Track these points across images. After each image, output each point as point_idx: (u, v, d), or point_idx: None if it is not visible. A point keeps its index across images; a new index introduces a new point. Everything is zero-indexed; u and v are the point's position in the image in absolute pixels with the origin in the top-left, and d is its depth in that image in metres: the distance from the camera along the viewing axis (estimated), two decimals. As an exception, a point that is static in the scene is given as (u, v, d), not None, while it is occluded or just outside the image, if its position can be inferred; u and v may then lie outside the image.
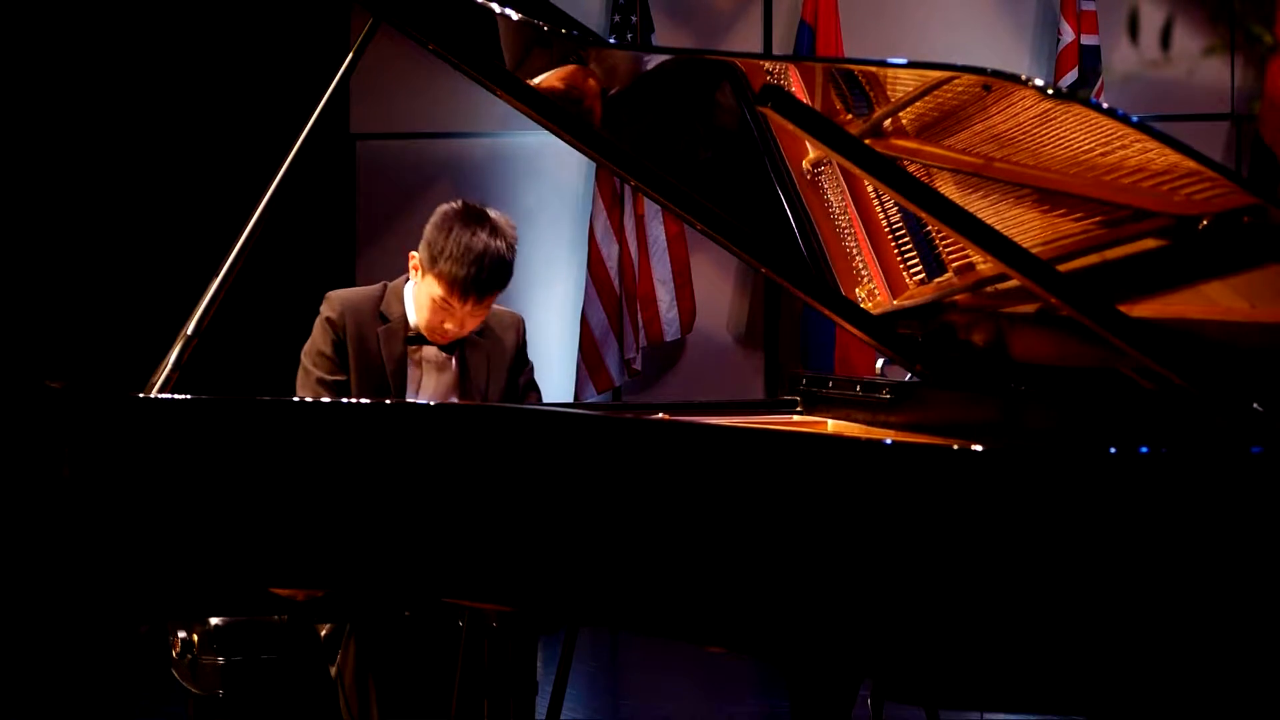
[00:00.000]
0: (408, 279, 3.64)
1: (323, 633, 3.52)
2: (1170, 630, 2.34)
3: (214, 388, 3.09)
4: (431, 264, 3.52)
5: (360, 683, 3.43)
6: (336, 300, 3.63)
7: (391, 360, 3.59)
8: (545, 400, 3.93)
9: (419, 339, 3.61)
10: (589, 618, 3.13)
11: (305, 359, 3.61)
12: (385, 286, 3.66)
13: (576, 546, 2.77)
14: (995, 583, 2.39)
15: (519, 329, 3.75)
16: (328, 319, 3.60)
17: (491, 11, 3.25)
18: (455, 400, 3.63)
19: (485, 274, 3.49)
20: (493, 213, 3.57)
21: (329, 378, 3.56)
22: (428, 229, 3.55)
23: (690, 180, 3.47)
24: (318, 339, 3.61)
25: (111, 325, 6.73)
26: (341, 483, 2.95)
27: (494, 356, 3.68)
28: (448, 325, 3.57)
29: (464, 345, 3.65)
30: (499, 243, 3.51)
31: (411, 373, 3.61)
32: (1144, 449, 2.40)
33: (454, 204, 3.58)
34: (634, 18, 7.04)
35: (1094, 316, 2.75)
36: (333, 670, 3.48)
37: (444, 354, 3.63)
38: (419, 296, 3.59)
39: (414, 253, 3.58)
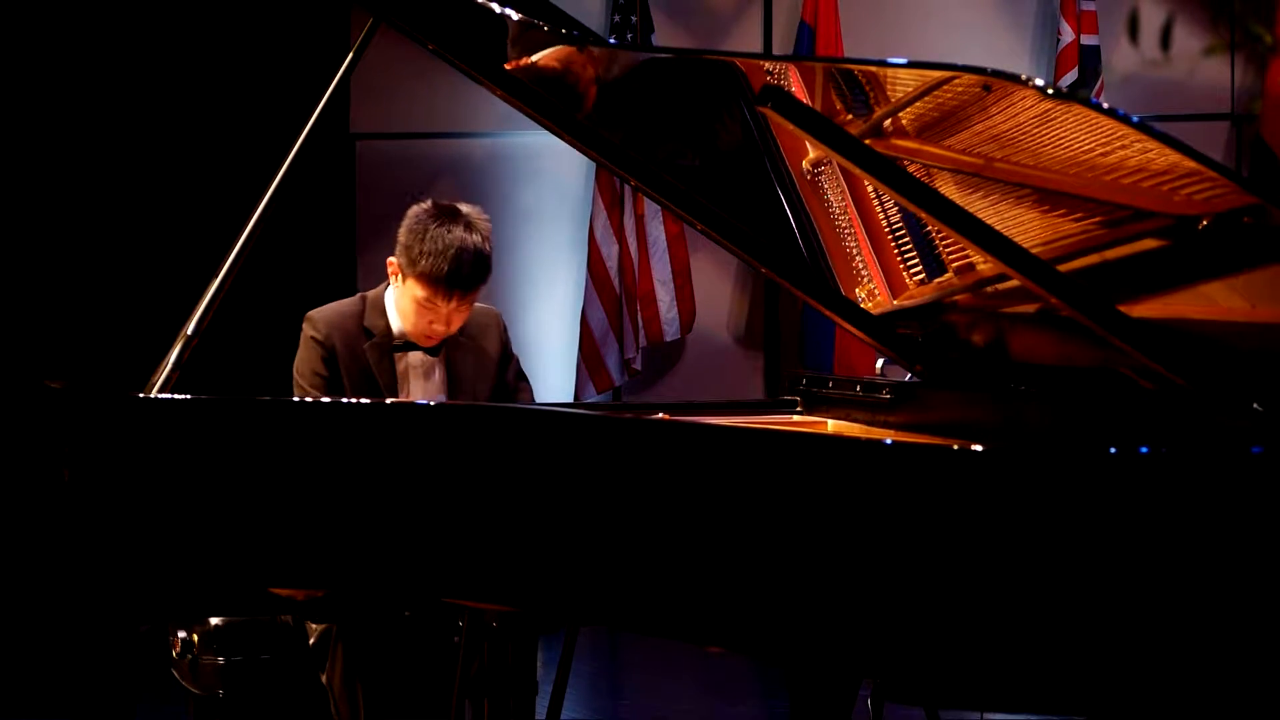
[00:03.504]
0: (386, 287, 3.62)
1: (311, 640, 3.51)
2: (1170, 630, 2.34)
3: (214, 388, 3.09)
4: (411, 266, 3.49)
5: (348, 689, 3.42)
6: (320, 320, 3.58)
7: (384, 375, 3.56)
8: (545, 400, 3.92)
9: (404, 345, 3.59)
10: (589, 618, 3.13)
11: (301, 380, 3.57)
12: (364, 299, 3.63)
13: (577, 547, 2.77)
14: (995, 583, 2.39)
15: (499, 325, 3.73)
16: (314, 339, 3.57)
17: (491, 11, 3.25)
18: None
19: (466, 269, 3.47)
20: (464, 207, 3.54)
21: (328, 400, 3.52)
22: (401, 232, 3.52)
23: (690, 180, 3.47)
24: (309, 359, 3.56)
25: (111, 325, 6.72)
26: (342, 483, 2.95)
27: (479, 357, 3.66)
28: (435, 326, 3.54)
29: (448, 347, 3.63)
30: (475, 236, 3.49)
31: (400, 383, 3.59)
32: (1144, 449, 2.40)
33: (423, 204, 3.55)
34: (634, 18, 7.03)
35: (1094, 316, 2.75)
36: (323, 677, 3.47)
37: (429, 358, 3.61)
38: (402, 302, 3.56)
39: (392, 259, 3.56)
